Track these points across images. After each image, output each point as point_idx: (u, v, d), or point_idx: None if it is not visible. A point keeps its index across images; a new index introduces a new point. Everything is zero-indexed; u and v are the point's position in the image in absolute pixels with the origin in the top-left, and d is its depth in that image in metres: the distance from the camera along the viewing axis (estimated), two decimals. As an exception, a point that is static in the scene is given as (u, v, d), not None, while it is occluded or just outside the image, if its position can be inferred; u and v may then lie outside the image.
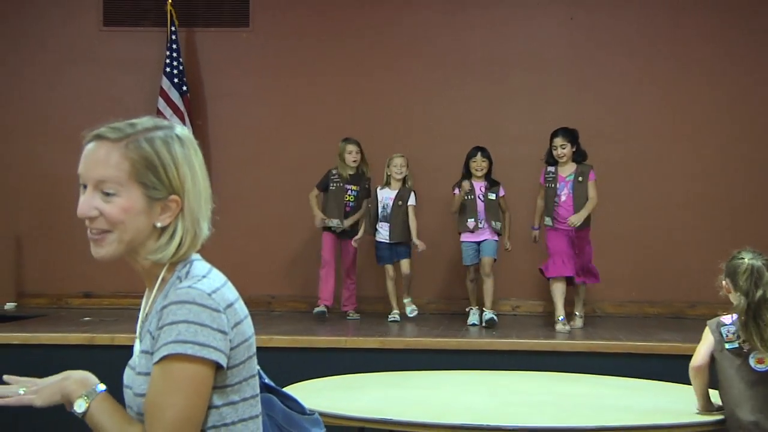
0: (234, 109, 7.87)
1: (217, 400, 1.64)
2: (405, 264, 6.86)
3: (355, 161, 6.99)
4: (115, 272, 6.98)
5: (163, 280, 1.70)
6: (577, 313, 6.58)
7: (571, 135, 6.55)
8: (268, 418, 1.80)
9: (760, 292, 3.38)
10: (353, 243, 6.96)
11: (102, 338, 5.62)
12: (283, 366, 5.47)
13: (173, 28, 7.57)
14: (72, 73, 7.91)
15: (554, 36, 7.75)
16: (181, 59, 7.59)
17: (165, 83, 7.49)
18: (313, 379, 4.06)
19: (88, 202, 1.65)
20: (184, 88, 7.57)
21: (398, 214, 6.83)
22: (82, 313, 7.19)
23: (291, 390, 3.44)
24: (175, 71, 7.52)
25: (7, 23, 7.99)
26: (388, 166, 6.91)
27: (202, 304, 1.59)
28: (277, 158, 7.62)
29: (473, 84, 7.73)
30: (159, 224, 1.67)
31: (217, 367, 1.60)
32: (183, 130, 1.74)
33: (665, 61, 7.64)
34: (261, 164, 7.70)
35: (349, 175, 7.00)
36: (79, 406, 1.63)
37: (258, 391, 1.73)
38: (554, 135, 6.59)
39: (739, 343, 3.47)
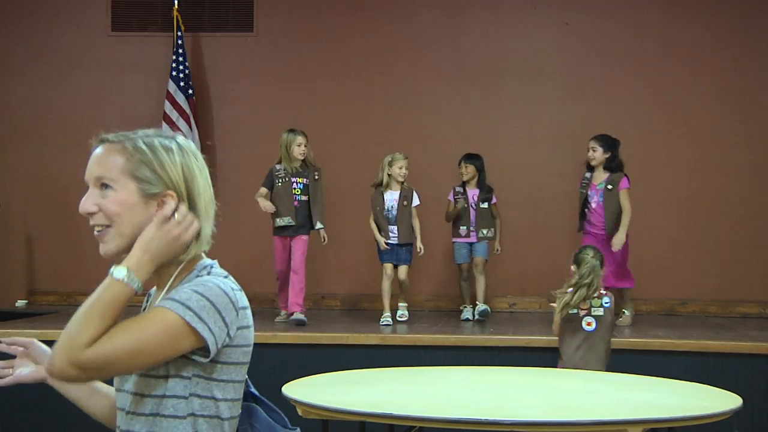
0: (239, 112, 7.93)
1: (201, 391, 1.68)
2: (403, 271, 6.73)
3: (302, 154, 6.59)
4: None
5: (176, 279, 1.74)
6: (625, 311, 6.57)
7: (603, 140, 6.54)
8: (250, 427, 1.81)
9: (588, 280, 4.88)
10: (323, 237, 6.63)
11: (111, 335, 5.66)
12: (286, 362, 5.60)
13: (179, 33, 7.66)
14: (81, 76, 7.99)
15: (550, 41, 7.80)
16: (187, 63, 7.66)
17: (171, 87, 7.57)
18: (315, 374, 4.09)
19: (87, 199, 1.71)
20: (190, 91, 7.66)
21: (405, 214, 6.72)
22: (91, 310, 7.31)
23: (294, 386, 3.60)
24: (182, 75, 7.60)
25: (17, 28, 8.06)
26: (390, 166, 6.70)
27: (226, 293, 1.66)
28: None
29: (470, 88, 7.79)
30: None
31: (205, 353, 1.64)
32: (185, 141, 1.79)
33: (660, 64, 7.69)
34: (265, 166, 7.71)
35: (295, 168, 6.60)
36: (119, 273, 1.63)
37: (240, 396, 1.75)
38: (591, 138, 6.62)
39: (577, 310, 4.87)
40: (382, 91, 7.87)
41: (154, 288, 1.91)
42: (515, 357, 5.53)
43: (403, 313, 6.75)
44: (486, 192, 6.93)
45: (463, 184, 6.98)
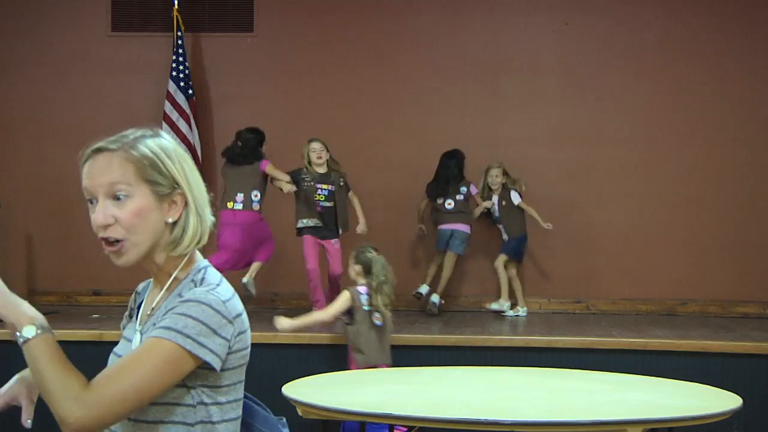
0: (239, 112, 7.91)
1: (207, 399, 1.69)
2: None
3: (320, 158, 6.77)
4: (123, 271, 7.07)
5: (175, 278, 1.76)
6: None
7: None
8: (243, 424, 1.83)
9: (382, 277, 5.18)
10: (361, 230, 6.91)
11: (110, 335, 5.62)
12: (286, 362, 5.60)
13: (179, 33, 7.66)
14: (81, 76, 7.99)
15: (549, 40, 7.81)
16: (187, 63, 7.66)
17: (171, 87, 7.57)
18: (315, 374, 4.11)
19: (103, 211, 1.68)
20: (190, 91, 7.66)
21: None
22: (91, 310, 7.27)
23: (294, 386, 3.60)
24: (182, 75, 7.60)
25: (17, 28, 8.06)
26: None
27: (217, 309, 1.66)
28: (280, 160, 7.72)
29: (470, 87, 7.80)
30: (170, 220, 1.72)
31: (209, 368, 1.66)
32: (168, 136, 1.80)
33: (659, 64, 7.70)
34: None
35: (320, 174, 6.79)
36: (28, 332, 1.58)
37: (242, 395, 1.79)
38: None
39: (368, 307, 5.16)
40: (382, 91, 7.87)
41: (142, 285, 1.92)
42: (514, 357, 5.53)
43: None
44: (456, 183, 7.24)
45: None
